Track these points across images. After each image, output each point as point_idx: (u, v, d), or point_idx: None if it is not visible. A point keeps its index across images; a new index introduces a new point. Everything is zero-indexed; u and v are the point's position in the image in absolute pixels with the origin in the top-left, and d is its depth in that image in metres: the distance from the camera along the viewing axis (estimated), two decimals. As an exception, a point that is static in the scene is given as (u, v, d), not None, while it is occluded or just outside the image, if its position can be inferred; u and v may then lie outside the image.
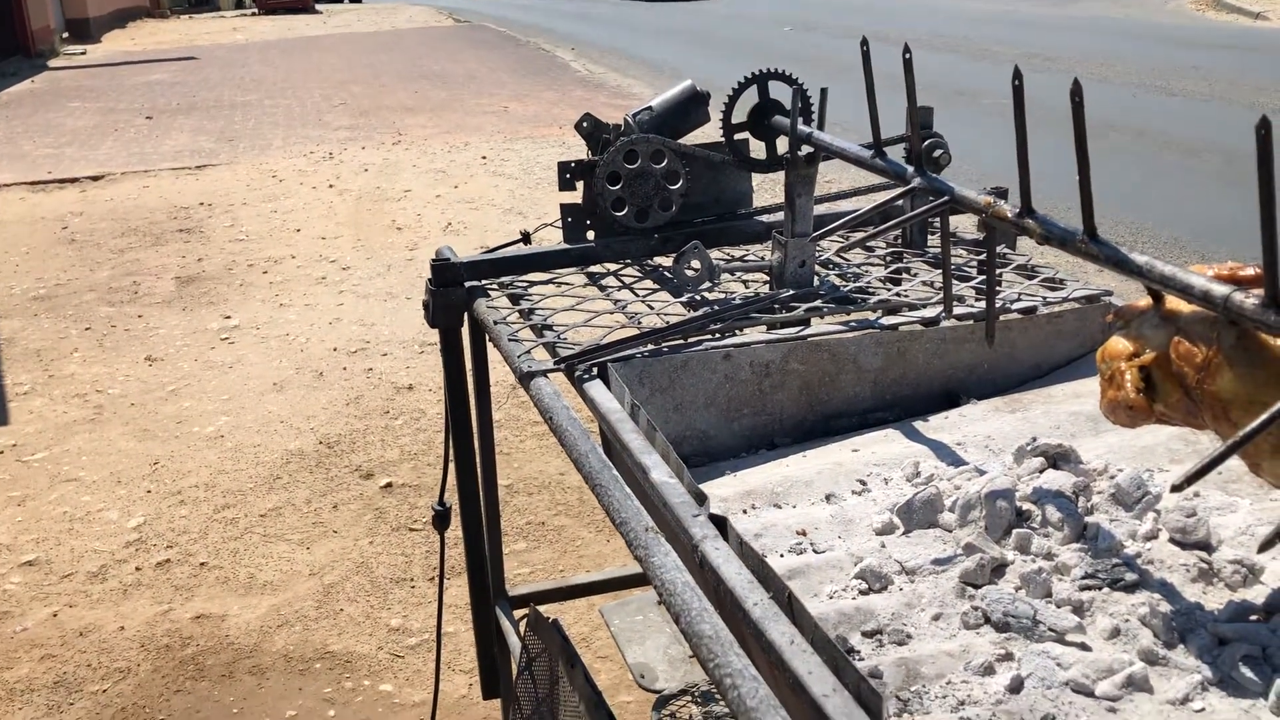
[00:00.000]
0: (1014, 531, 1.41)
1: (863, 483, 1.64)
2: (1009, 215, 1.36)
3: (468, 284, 2.03)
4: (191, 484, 4.44)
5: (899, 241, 2.23)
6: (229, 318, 6.25)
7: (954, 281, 2.03)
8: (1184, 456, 1.62)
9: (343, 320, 6.13)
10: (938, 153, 2.04)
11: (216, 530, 4.11)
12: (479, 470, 2.26)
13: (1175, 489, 0.99)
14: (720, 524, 1.30)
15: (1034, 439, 1.61)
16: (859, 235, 2.04)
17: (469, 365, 2.16)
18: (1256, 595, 1.26)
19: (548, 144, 10.53)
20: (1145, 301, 1.22)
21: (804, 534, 1.52)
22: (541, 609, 2.54)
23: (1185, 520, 1.36)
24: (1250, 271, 1.14)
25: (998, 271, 2.06)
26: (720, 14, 24.38)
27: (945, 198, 1.47)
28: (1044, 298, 1.94)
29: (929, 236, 2.20)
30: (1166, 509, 1.41)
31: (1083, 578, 1.30)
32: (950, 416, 1.81)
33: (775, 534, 1.52)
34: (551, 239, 2.21)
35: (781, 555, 1.47)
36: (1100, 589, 1.28)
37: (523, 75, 15.92)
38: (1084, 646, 1.21)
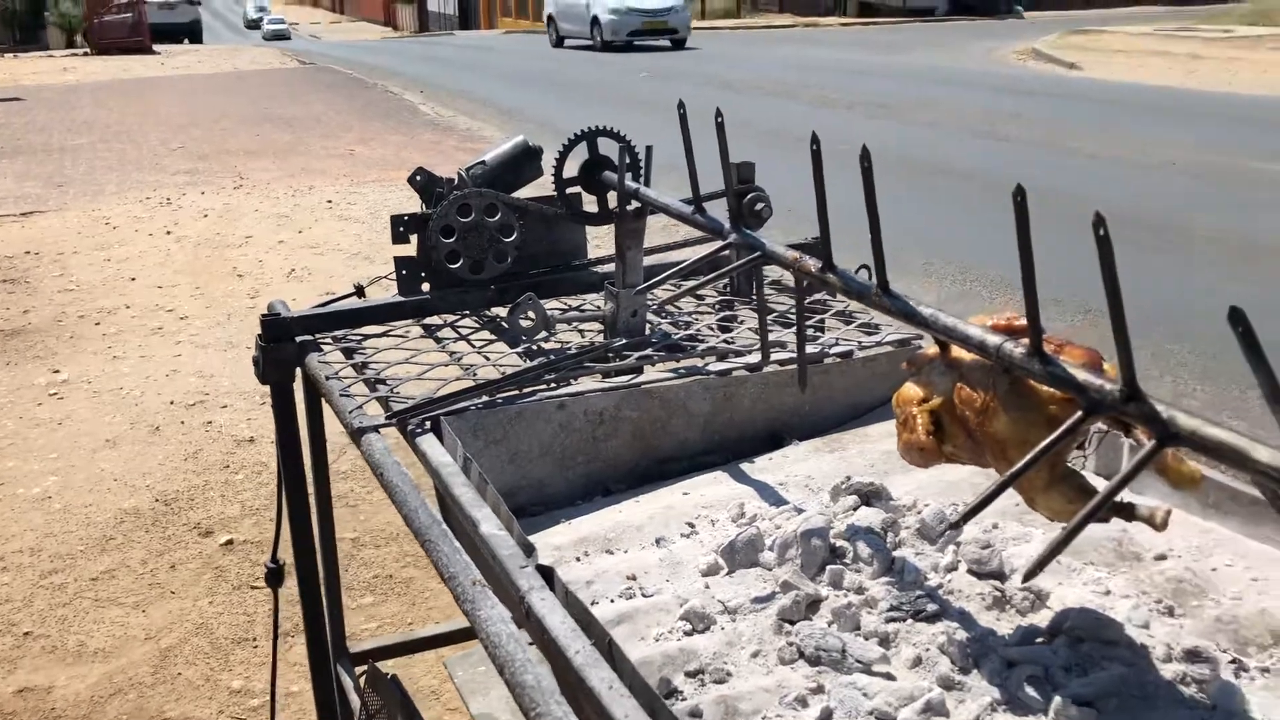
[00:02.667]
0: (828, 568, 1.48)
1: (691, 525, 1.70)
2: (813, 270, 1.45)
3: (299, 338, 2.02)
4: (15, 549, 4.22)
5: (728, 290, 2.31)
6: (57, 372, 5.99)
7: (777, 328, 2.13)
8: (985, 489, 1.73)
9: (180, 372, 5.95)
10: (759, 206, 2.13)
11: (43, 597, 3.92)
12: (315, 526, 2.23)
13: (953, 526, 1.08)
14: (547, 574, 1.34)
15: (848, 478, 1.70)
16: (689, 285, 2.12)
17: (303, 420, 2.15)
18: (1043, 619, 1.36)
19: (396, 188, 10.44)
20: (933, 350, 1.32)
21: (634, 579, 1.57)
22: (388, 664, 2.52)
23: (981, 552, 1.46)
24: (1022, 322, 1.24)
25: (819, 318, 2.16)
26: (563, 56, 24.70)
27: (758, 253, 1.55)
28: (860, 342, 2.05)
29: (754, 285, 2.29)
30: (964, 541, 1.51)
31: (889, 610, 1.38)
32: (774, 458, 1.89)
33: (606, 580, 1.56)
34: (388, 291, 2.22)
35: (612, 600, 1.51)
36: (904, 620, 1.36)
37: (370, 118, 15.77)
38: (888, 676, 1.28)
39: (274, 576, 2.20)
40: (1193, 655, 1.27)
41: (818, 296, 2.24)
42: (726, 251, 1.74)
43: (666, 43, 24.95)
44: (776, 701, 1.27)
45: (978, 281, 6.75)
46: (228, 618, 3.77)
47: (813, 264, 1.46)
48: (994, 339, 1.16)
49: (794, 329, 2.08)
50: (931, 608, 1.37)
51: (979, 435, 1.21)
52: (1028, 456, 1.05)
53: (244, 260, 8.04)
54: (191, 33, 45.54)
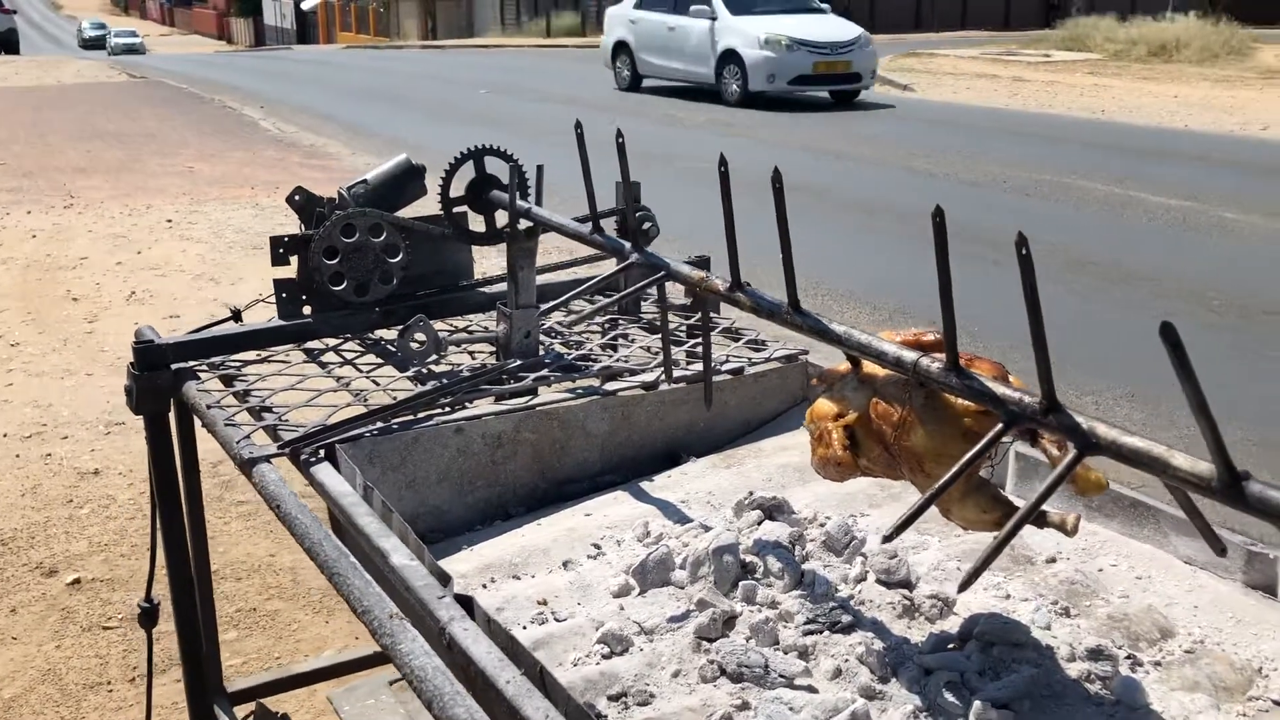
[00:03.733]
0: (740, 584, 1.50)
1: (597, 546, 1.69)
2: (721, 289, 1.46)
3: (174, 366, 1.93)
4: None
5: (614, 309, 2.32)
6: (-125, 405, 5.55)
7: (670, 347, 2.14)
8: (881, 501, 1.78)
9: (12, 402, 5.59)
10: (646, 225, 2.14)
11: None
12: (192, 560, 2.13)
13: (886, 539, 1.10)
14: (466, 603, 1.31)
15: (750, 493, 1.73)
16: (597, 304, 2.11)
17: (177, 451, 2.05)
18: (952, 626, 1.40)
19: (239, 206, 10.09)
20: (845, 366, 1.35)
21: (544, 603, 1.55)
22: (264, 702, 2.42)
23: (889, 562, 1.50)
24: (931, 337, 1.28)
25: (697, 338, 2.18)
26: (409, 72, 24.28)
27: (661, 272, 1.56)
28: (749, 358, 2.08)
29: (642, 303, 2.30)
30: (872, 552, 1.54)
31: (805, 623, 1.40)
32: (673, 475, 1.90)
33: (516, 606, 1.54)
34: (265, 316, 2.14)
35: (524, 627, 1.49)
36: (821, 632, 1.39)
37: (208, 134, 15.21)
38: (811, 689, 1.30)
39: (148, 617, 2.09)
40: (1094, 654, 1.33)
41: (718, 315, 2.26)
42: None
43: (827, 95, 15.87)
44: (703, 720, 1.27)
45: (828, 297, 6.95)
46: (78, 662, 3.55)
47: (720, 283, 1.47)
48: (910, 355, 1.19)
49: (682, 348, 2.10)
50: (846, 619, 1.40)
51: (896, 449, 1.24)
52: (955, 467, 1.08)
53: (79, 283, 7.62)
54: (6, 43, 42.98)
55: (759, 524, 1.66)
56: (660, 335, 2.15)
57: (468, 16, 41.02)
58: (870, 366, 1.29)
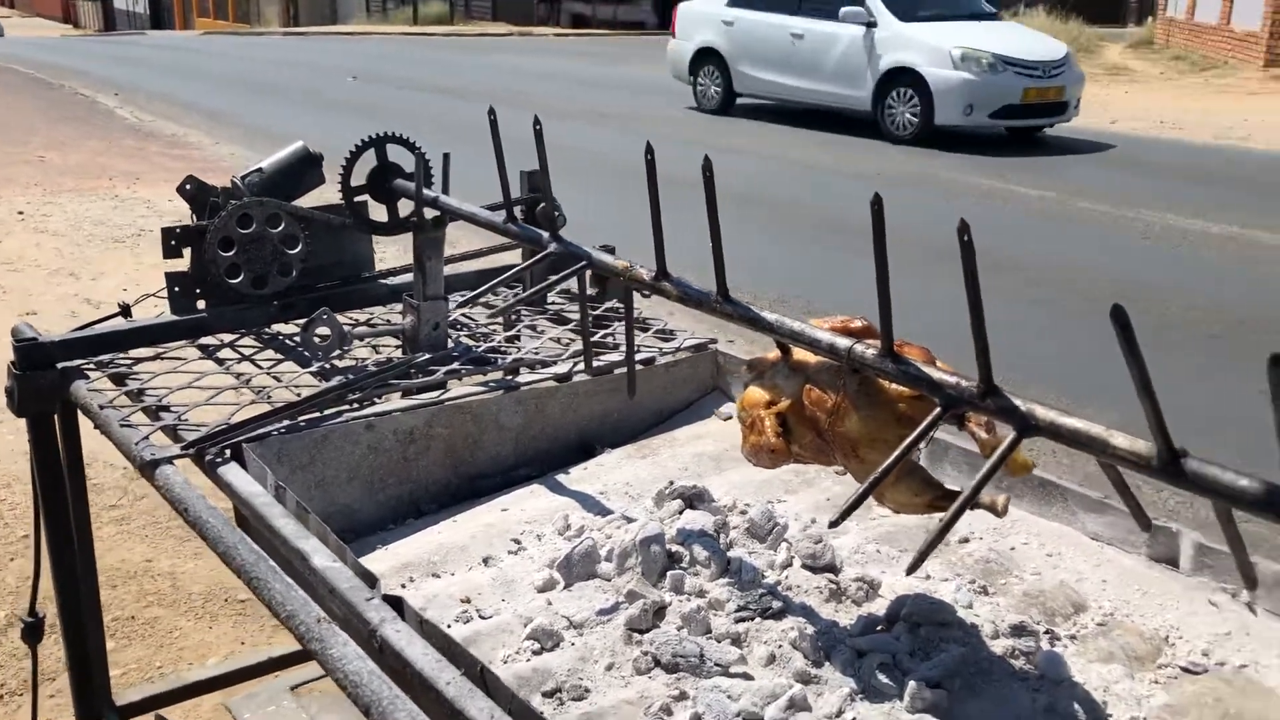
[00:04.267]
0: (668, 574, 1.49)
1: (517, 541, 1.66)
2: (646, 279, 1.45)
3: (60, 365, 1.82)
4: None
5: (514, 298, 2.28)
6: None
7: (577, 337, 2.12)
8: (796, 487, 1.80)
9: None
10: (555, 214, 2.12)
11: None
12: (79, 568, 2.02)
13: (833, 524, 1.11)
14: (396, 604, 1.27)
15: (671, 483, 1.72)
16: (495, 298, 2.08)
17: (62, 454, 1.94)
18: (879, 608, 1.43)
19: (97, 197, 9.64)
20: (775, 354, 1.35)
21: (468, 601, 1.52)
22: (152, 714, 2.32)
23: (814, 547, 1.51)
24: (859, 323, 1.30)
25: (615, 325, 2.17)
26: (273, 59, 23.54)
27: (583, 262, 1.54)
28: (660, 348, 2.07)
29: (547, 295, 2.28)
30: (795, 538, 1.56)
31: (736, 611, 1.41)
32: (589, 467, 1.89)
33: (440, 605, 1.50)
34: (155, 311, 2.05)
35: (449, 626, 1.45)
36: (753, 619, 1.39)
37: (59, 121, 14.47)
38: (747, 676, 1.30)
39: (33, 631, 1.97)
40: (1017, 630, 1.37)
41: (610, 304, 2.25)
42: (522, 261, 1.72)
43: (1003, 131, 11.33)
44: (642, 713, 1.26)
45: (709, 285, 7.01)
46: (-58, 681, 3.35)
47: (645, 272, 1.46)
48: (844, 341, 1.21)
49: (592, 338, 2.09)
50: (776, 605, 1.41)
51: (830, 435, 1.25)
52: (896, 452, 1.09)
53: (-78, 279, 7.17)
54: None
55: (680, 513, 1.65)
56: (571, 326, 2.14)
57: (332, 3, 40.01)
58: (801, 354, 1.30)
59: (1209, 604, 1.46)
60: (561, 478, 1.85)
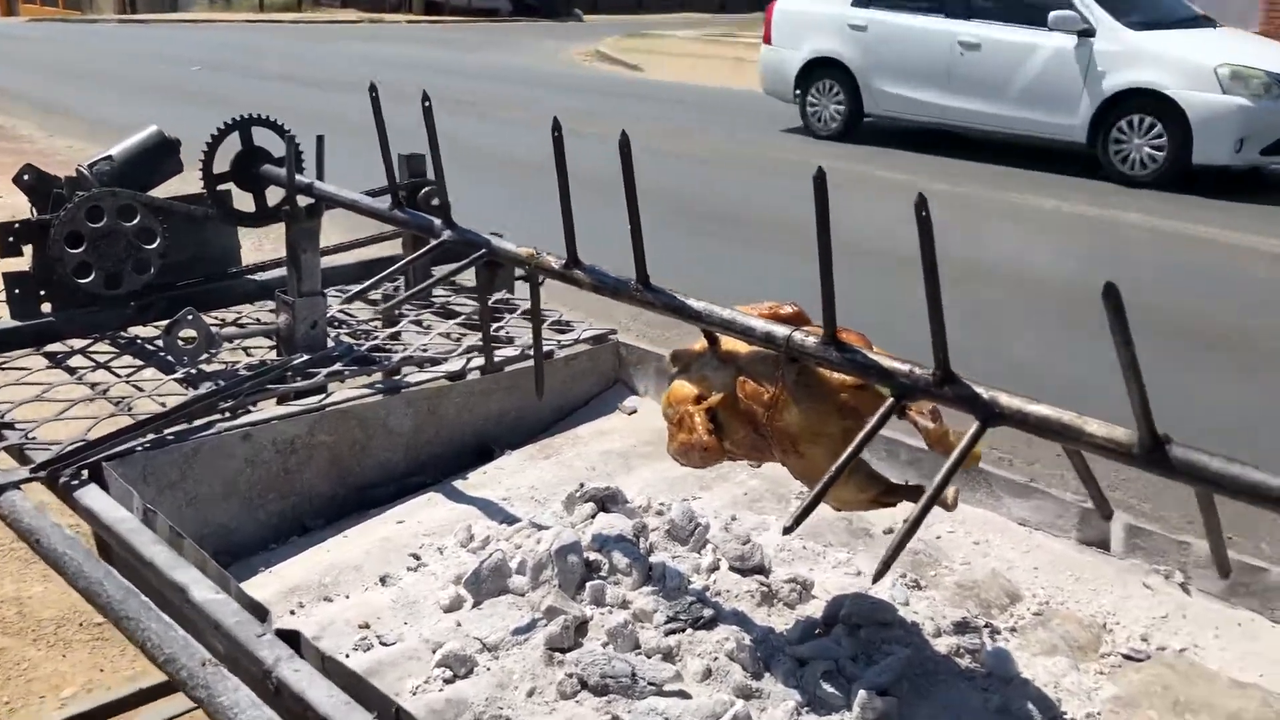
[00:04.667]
0: (588, 585, 1.38)
1: (416, 557, 1.52)
2: (555, 267, 1.34)
3: (-120, 380, 1.60)
4: None
5: (398, 292, 2.13)
6: None
7: (468, 332, 1.99)
8: (710, 483, 1.71)
9: None
10: (435, 201, 1.98)
11: None
12: (-89, 610, 1.80)
13: (787, 531, 1.01)
14: (292, 639, 1.13)
15: (581, 485, 1.61)
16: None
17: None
18: (814, 610, 1.35)
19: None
20: (700, 344, 1.26)
21: (367, 626, 1.38)
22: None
23: (741, 548, 1.42)
24: (788, 309, 1.21)
25: (505, 317, 2.05)
26: (109, 49, 22.34)
27: (482, 250, 1.41)
28: (558, 341, 1.96)
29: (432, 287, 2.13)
30: (721, 539, 1.47)
31: (666, 622, 1.31)
32: (489, 471, 1.76)
33: (336, 632, 1.36)
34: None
35: (348, 655, 1.32)
36: (684, 630, 1.30)
37: None
38: (683, 694, 1.21)
39: None
40: (960, 627, 1.31)
41: (500, 296, 2.12)
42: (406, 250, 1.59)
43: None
44: (572, 742, 1.15)
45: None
46: None
47: (553, 259, 1.35)
48: (781, 329, 1.12)
49: (480, 334, 1.96)
50: (707, 613, 1.31)
51: (767, 430, 1.16)
52: (850, 447, 1.01)
53: None
54: None
55: (593, 517, 1.54)
56: (460, 320, 2.00)
57: (171, -11, 38.29)
58: (731, 344, 1.21)
59: (1144, 587, 1.43)
60: (459, 484, 1.72)
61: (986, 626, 1.34)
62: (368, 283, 1.43)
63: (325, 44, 18.80)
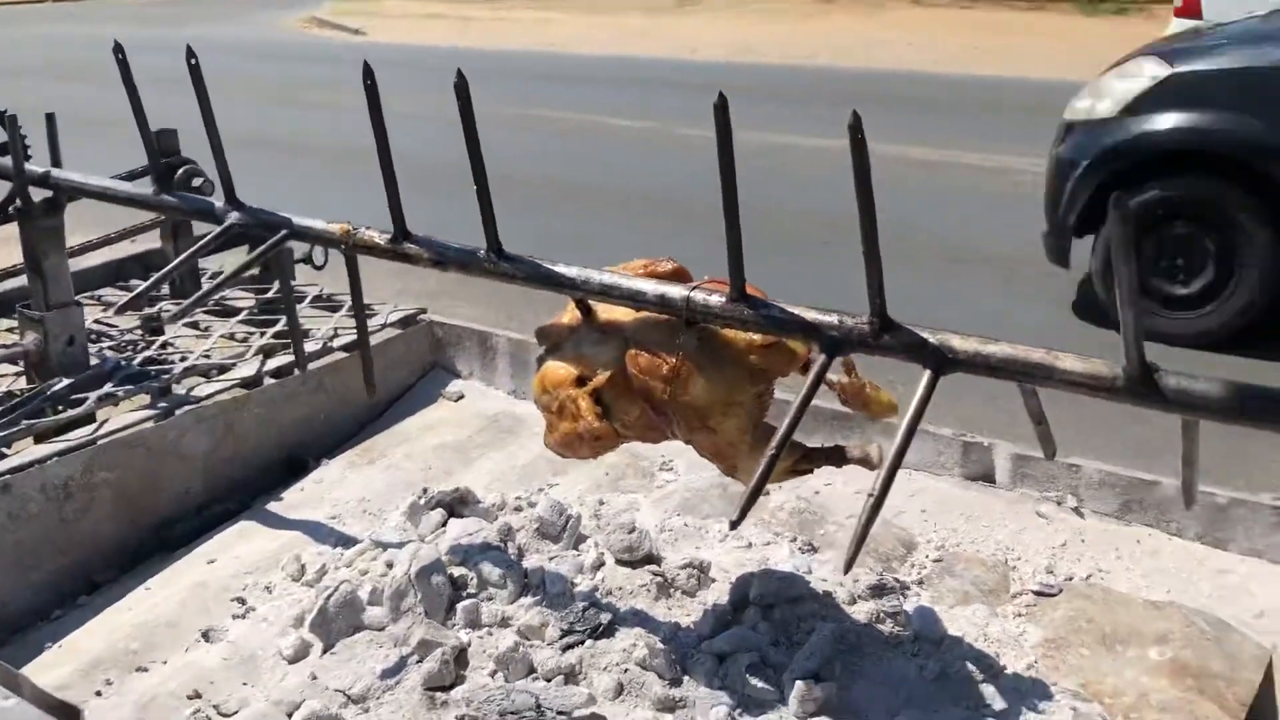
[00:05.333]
0: (458, 606, 1.20)
1: (241, 601, 1.29)
2: (380, 242, 1.13)
3: None
4: None
5: (162, 293, 1.84)
6: None
7: (254, 331, 1.73)
8: (564, 466, 1.55)
9: None
10: (198, 181, 1.71)
11: None
12: None
13: (734, 525, 0.87)
14: (121, 743, 0.90)
15: (425, 490, 1.41)
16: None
17: None
18: (718, 595, 1.21)
19: None
20: (570, 317, 1.09)
21: (199, 696, 1.14)
22: None
23: (628, 538, 1.27)
24: (666, 266, 1.06)
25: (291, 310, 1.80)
26: None
27: (283, 231, 1.19)
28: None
29: (203, 280, 1.85)
30: (600, 530, 1.31)
31: (561, 637, 1.14)
32: (306, 486, 1.52)
33: (160, 709, 1.12)
34: None
35: (184, 738, 1.08)
36: (583, 643, 1.13)
37: None
38: (599, 718, 1.05)
39: None
40: (876, 591, 1.20)
41: (298, 283, 1.87)
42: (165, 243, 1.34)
43: None
44: (484, 800, 0.98)
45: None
46: None
47: (377, 235, 1.14)
48: (677, 290, 0.96)
49: (271, 330, 1.71)
50: (605, 618, 1.16)
51: (669, 407, 1.00)
52: (791, 413, 0.87)
53: None
54: None
55: (444, 525, 1.35)
56: (242, 317, 1.75)
57: None
58: (611, 312, 1.05)
59: (1037, 516, 1.38)
60: (275, 507, 1.48)
61: (897, 583, 1.25)
62: (148, 283, 1.18)
63: (12, 27, 16.95)
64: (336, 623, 1.20)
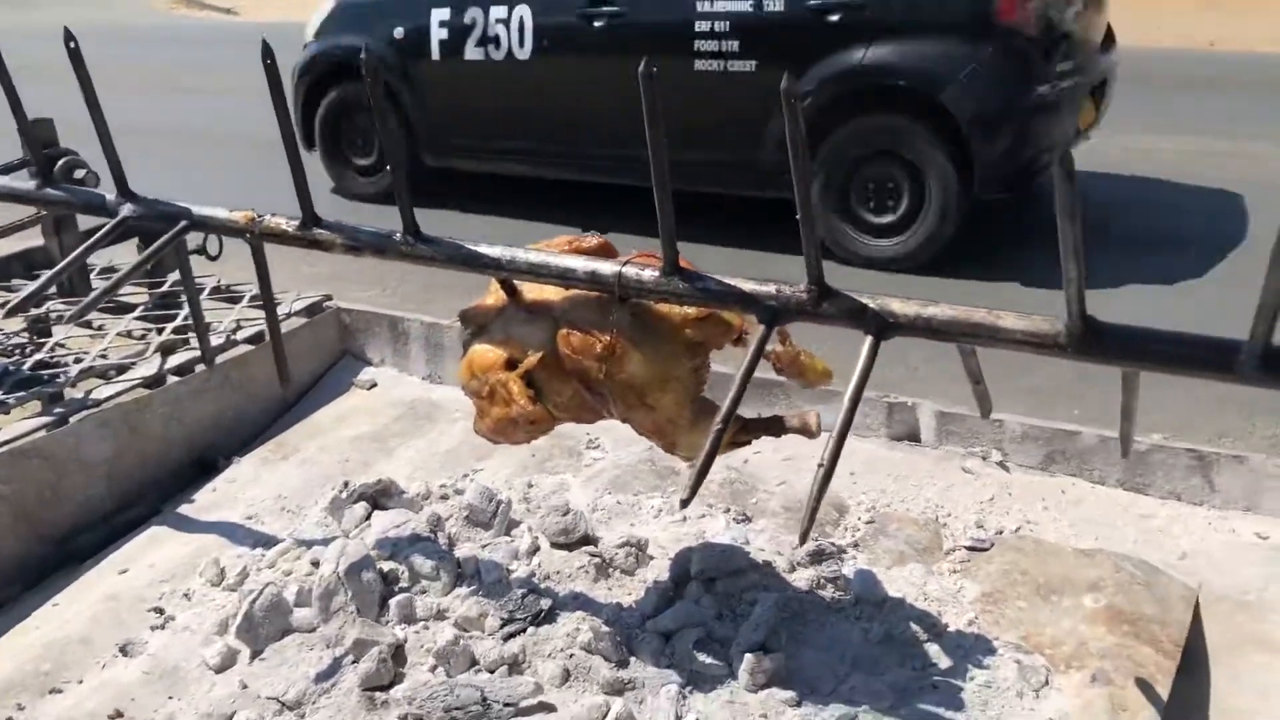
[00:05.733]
0: (391, 602, 1.16)
1: (159, 611, 1.23)
2: (289, 230, 1.08)
3: None
4: None
5: (53, 293, 1.74)
6: None
7: (152, 327, 1.65)
8: (490, 451, 1.51)
9: None
10: (81, 173, 1.62)
11: None
12: None
13: (684, 504, 0.85)
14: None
15: (346, 483, 1.37)
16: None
17: None
18: (657, 572, 1.20)
19: None
20: (494, 298, 1.05)
21: (120, 715, 1.08)
22: None
23: (562, 519, 1.24)
24: (592, 241, 1.03)
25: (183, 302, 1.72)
26: None
27: (183, 223, 1.13)
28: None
29: (92, 276, 1.76)
30: (531, 513, 1.29)
31: (501, 627, 1.11)
32: (219, 487, 1.46)
33: (80, 734, 1.06)
34: None
35: (108, 762, 1.03)
36: (524, 630, 1.11)
37: None
38: (547, 707, 1.03)
39: None
40: (815, 557, 1.20)
41: (203, 275, 1.78)
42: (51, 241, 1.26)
43: None
44: (435, 800, 0.95)
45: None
46: None
47: (284, 222, 1.09)
48: (608, 266, 0.94)
49: (169, 325, 1.64)
50: (545, 604, 1.13)
51: (605, 384, 0.98)
52: (735, 386, 0.86)
53: None
54: None
55: (369, 519, 1.31)
56: (138, 313, 1.67)
57: None
58: (537, 291, 1.01)
59: (963, 472, 1.40)
60: (187, 510, 1.42)
61: (834, 548, 1.25)
62: (38, 283, 1.11)
63: None
64: (264, 627, 1.15)
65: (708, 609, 1.12)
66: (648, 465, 1.45)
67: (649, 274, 0.92)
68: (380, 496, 1.36)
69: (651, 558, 1.23)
